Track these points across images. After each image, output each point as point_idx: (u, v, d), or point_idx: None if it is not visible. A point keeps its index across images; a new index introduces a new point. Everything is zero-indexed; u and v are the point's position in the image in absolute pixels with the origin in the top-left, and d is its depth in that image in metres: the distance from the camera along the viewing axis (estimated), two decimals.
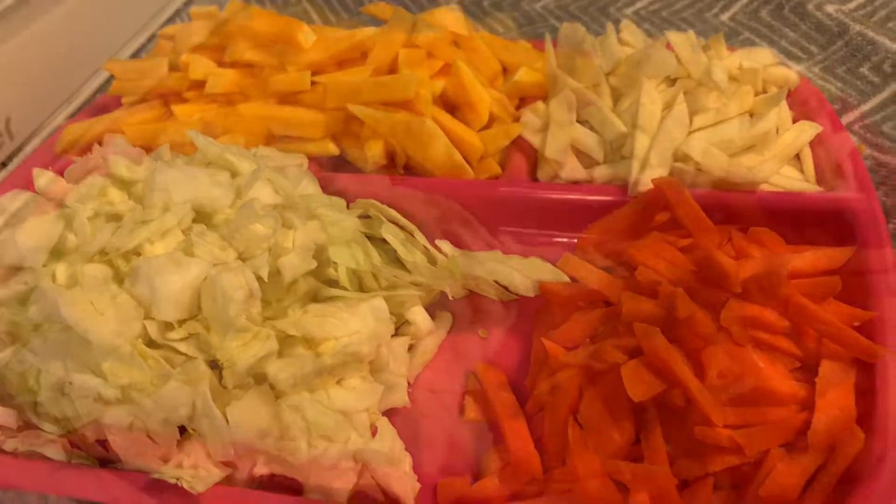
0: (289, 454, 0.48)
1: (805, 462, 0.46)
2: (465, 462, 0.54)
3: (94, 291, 0.49)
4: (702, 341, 0.49)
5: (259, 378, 0.51)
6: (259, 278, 0.50)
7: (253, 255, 0.53)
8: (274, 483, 0.52)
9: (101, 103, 0.83)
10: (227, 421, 0.48)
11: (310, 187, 0.63)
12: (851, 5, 0.89)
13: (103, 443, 0.54)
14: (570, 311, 0.58)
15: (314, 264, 0.53)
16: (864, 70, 0.80)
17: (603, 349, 0.49)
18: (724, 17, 0.96)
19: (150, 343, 0.50)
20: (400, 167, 0.72)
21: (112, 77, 0.80)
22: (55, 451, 0.51)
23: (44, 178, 0.63)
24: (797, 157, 0.67)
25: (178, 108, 0.74)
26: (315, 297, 0.55)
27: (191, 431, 0.50)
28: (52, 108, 0.89)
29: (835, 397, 0.48)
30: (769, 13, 0.93)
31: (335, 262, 0.56)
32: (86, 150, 0.74)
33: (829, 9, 0.88)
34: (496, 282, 0.60)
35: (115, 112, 0.77)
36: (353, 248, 0.56)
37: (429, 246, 0.64)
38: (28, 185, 0.70)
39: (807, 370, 0.50)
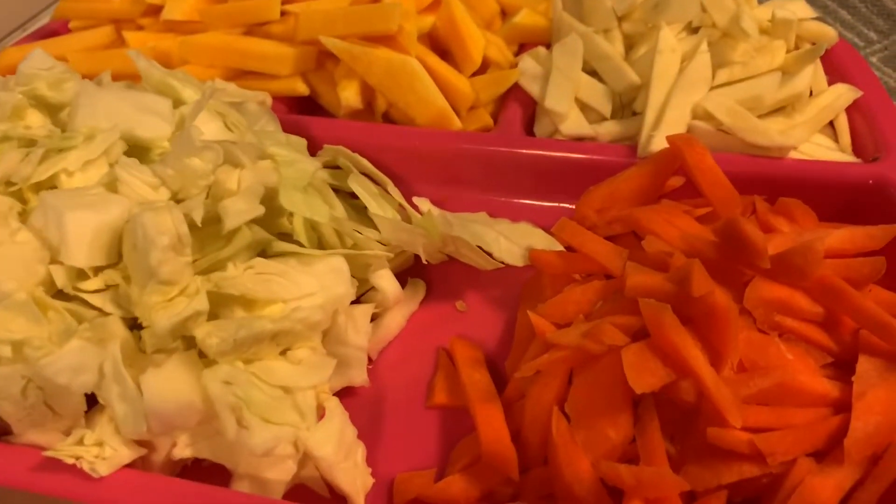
0: (213, 435, 0.40)
1: (840, 476, 0.38)
2: (430, 455, 0.46)
3: None
4: (720, 325, 0.40)
5: (190, 342, 0.43)
6: (192, 222, 0.42)
7: (190, 196, 0.44)
8: (201, 469, 0.45)
9: (51, 29, 0.74)
10: (141, 390, 0.39)
11: (269, 127, 0.55)
12: None
13: None
14: (564, 284, 0.49)
15: (261, 210, 0.44)
16: None
17: (600, 328, 0.40)
18: None
19: (58, 294, 0.42)
20: (379, 115, 0.64)
21: None
22: None
23: None
24: (831, 124, 0.60)
25: (130, 36, 0.66)
26: (264, 253, 0.47)
27: (101, 402, 0.42)
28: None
29: (875, 400, 0.40)
30: None
31: (290, 213, 0.48)
32: None
33: None
34: (479, 247, 0.51)
35: (60, 37, 0.69)
36: (311, 196, 0.48)
37: (405, 203, 0.56)
38: None
39: (841, 367, 0.43)
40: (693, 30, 0.61)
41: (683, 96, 0.56)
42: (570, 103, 0.59)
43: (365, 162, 0.56)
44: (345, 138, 0.58)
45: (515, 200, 0.60)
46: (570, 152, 0.58)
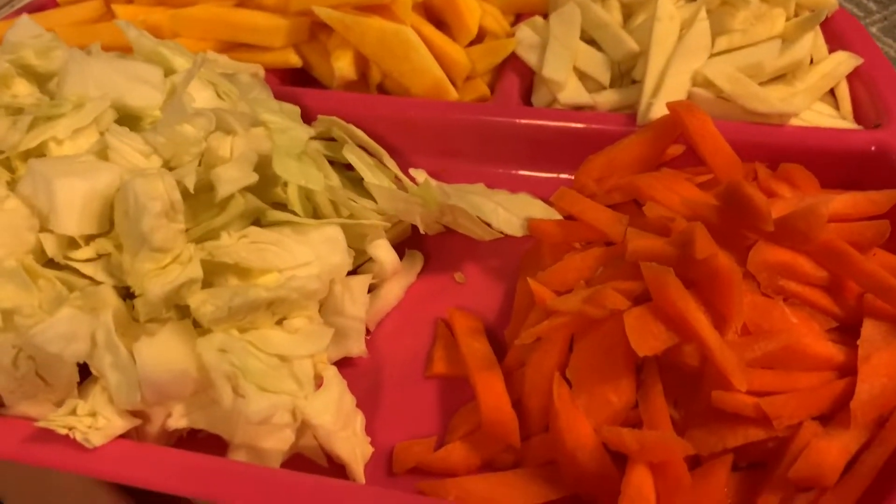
0: (209, 405, 0.39)
1: (846, 439, 0.38)
2: (430, 424, 0.46)
3: None
4: (723, 288, 0.39)
5: (184, 312, 0.42)
6: (184, 189, 0.41)
7: (182, 164, 0.43)
8: (197, 440, 0.44)
9: (39, 3, 0.73)
10: (134, 359, 0.38)
11: (262, 97, 0.54)
12: None
13: None
14: (564, 253, 0.49)
15: (255, 178, 0.44)
16: None
17: (602, 293, 0.40)
18: None
19: (48, 263, 0.41)
20: (373, 86, 0.62)
21: None
22: None
23: None
24: (832, 92, 0.59)
25: (119, 9, 0.65)
26: (258, 222, 0.46)
27: (94, 373, 0.41)
28: None
29: (881, 362, 0.40)
30: None
31: (285, 182, 0.47)
32: None
33: None
34: (478, 217, 0.50)
35: (49, 11, 0.67)
36: (305, 164, 0.47)
37: (401, 175, 0.55)
38: None
39: (846, 331, 0.42)
40: None
41: (683, 64, 0.55)
42: (569, 72, 0.58)
43: (360, 133, 0.55)
44: (339, 110, 0.57)
45: (513, 171, 0.59)
46: (568, 122, 0.56)
